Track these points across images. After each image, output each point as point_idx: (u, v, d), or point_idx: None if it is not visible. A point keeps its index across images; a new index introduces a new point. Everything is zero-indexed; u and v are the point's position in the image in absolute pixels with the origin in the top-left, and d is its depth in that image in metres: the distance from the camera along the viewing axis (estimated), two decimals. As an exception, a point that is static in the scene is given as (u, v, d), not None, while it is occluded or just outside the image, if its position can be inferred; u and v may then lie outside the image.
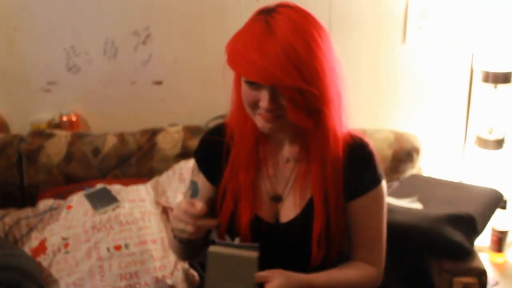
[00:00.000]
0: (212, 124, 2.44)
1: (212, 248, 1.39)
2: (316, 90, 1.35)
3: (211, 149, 1.61)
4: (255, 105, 1.40)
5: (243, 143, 1.54)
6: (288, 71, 1.31)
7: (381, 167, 1.55)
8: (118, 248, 2.11)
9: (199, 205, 1.43)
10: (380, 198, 1.55)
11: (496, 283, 2.15)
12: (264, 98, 1.37)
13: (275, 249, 1.52)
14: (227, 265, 1.36)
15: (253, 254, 1.35)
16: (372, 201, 1.54)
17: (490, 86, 2.44)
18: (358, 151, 1.52)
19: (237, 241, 1.46)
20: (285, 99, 1.36)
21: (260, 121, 1.42)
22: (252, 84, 1.37)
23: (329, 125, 1.43)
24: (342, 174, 1.50)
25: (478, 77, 2.48)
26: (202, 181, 1.64)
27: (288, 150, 1.55)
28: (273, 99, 1.37)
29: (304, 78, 1.33)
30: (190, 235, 1.44)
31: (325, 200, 1.49)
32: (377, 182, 1.54)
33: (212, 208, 1.57)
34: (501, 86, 2.43)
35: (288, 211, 1.54)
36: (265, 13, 1.36)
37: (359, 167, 1.52)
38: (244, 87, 1.40)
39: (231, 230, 1.55)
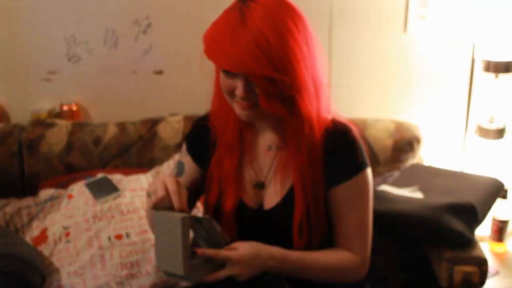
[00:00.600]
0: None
1: (155, 211, 1.38)
2: (288, 79, 1.36)
3: (201, 134, 1.64)
4: (232, 93, 1.43)
5: (226, 131, 1.56)
6: (258, 60, 1.32)
7: (365, 154, 1.53)
8: (119, 237, 2.11)
9: (183, 189, 1.42)
10: (362, 186, 1.53)
11: (497, 273, 2.16)
12: (239, 87, 1.39)
13: (258, 235, 1.52)
14: (164, 226, 1.36)
15: (181, 215, 1.34)
16: (354, 189, 1.52)
17: (491, 75, 2.43)
18: (338, 137, 1.51)
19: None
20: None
21: (237, 109, 1.45)
22: (227, 72, 1.40)
23: (304, 113, 1.44)
24: (321, 162, 1.50)
25: (479, 67, 2.47)
26: (188, 163, 1.67)
27: (270, 138, 1.57)
28: (247, 87, 1.39)
29: (275, 67, 1.34)
30: (155, 201, 1.38)
31: (304, 187, 1.49)
32: (358, 169, 1.51)
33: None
34: (502, 76, 2.43)
35: (271, 198, 1.55)
36: (241, 2, 1.38)
37: (338, 154, 1.50)
38: (221, 75, 1.43)
39: (217, 215, 1.57)
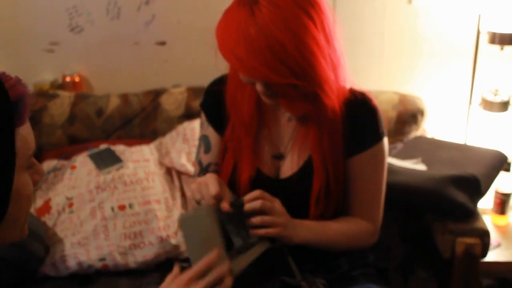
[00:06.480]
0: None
1: (181, 215, 1.35)
2: (308, 83, 1.35)
3: (216, 100, 1.61)
4: (251, 85, 1.43)
5: (242, 104, 1.55)
6: (277, 69, 1.31)
7: (384, 123, 1.55)
8: (122, 207, 2.12)
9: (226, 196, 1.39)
10: (381, 155, 1.56)
11: (499, 245, 2.16)
12: (258, 87, 1.39)
13: None
14: (194, 225, 1.31)
15: (206, 206, 1.31)
16: (373, 158, 1.55)
17: (496, 47, 2.41)
18: (359, 107, 1.52)
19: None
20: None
21: (260, 95, 1.45)
22: None
23: (327, 103, 1.44)
24: (342, 133, 1.51)
25: (484, 38, 2.45)
26: (211, 134, 1.64)
27: None
28: (267, 86, 1.38)
29: (295, 74, 1.32)
30: (216, 193, 1.37)
31: (324, 159, 1.50)
32: (378, 138, 1.54)
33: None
34: (507, 48, 2.41)
35: (288, 168, 1.56)
36: None
37: (360, 123, 1.52)
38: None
39: (232, 185, 1.56)
